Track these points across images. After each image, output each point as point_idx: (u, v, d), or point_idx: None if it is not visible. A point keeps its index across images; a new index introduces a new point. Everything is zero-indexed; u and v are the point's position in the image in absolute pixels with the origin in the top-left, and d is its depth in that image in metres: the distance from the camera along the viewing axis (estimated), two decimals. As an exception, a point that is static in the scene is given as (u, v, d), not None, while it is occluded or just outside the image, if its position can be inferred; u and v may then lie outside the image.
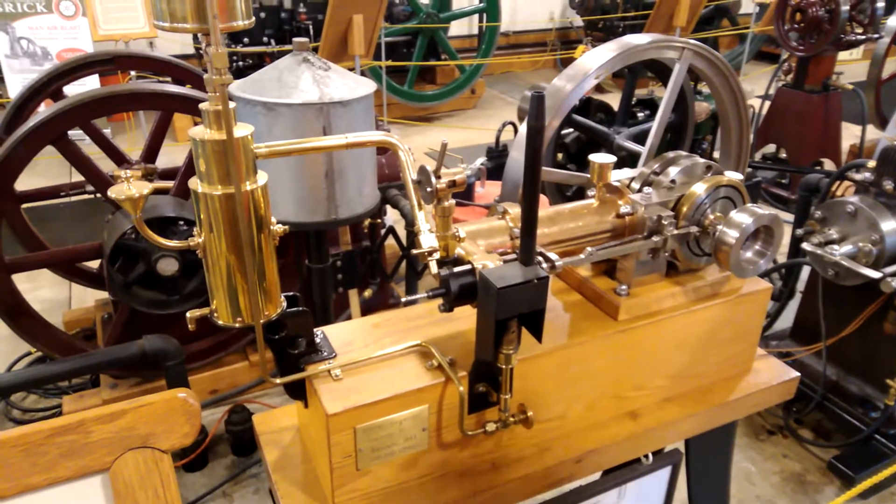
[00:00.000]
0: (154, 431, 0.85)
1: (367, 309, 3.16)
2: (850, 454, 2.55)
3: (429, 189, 1.10)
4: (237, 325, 1.10)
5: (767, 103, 4.85)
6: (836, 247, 2.26)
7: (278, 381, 1.18)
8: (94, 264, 2.96)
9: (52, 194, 3.02)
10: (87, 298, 3.50)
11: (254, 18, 0.93)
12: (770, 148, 5.12)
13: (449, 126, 6.79)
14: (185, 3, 0.87)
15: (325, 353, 1.23)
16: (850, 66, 6.71)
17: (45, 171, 5.07)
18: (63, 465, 0.82)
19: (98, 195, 2.67)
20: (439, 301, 1.13)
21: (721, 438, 1.66)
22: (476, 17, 7.62)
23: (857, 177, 2.34)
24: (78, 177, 2.62)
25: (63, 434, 0.83)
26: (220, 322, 1.11)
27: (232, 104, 0.97)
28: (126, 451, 0.82)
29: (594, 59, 1.78)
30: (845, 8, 4.18)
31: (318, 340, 1.24)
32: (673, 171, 1.38)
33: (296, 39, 1.99)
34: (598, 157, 1.36)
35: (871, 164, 2.33)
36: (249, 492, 2.52)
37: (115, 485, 0.83)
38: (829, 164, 4.79)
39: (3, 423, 2.84)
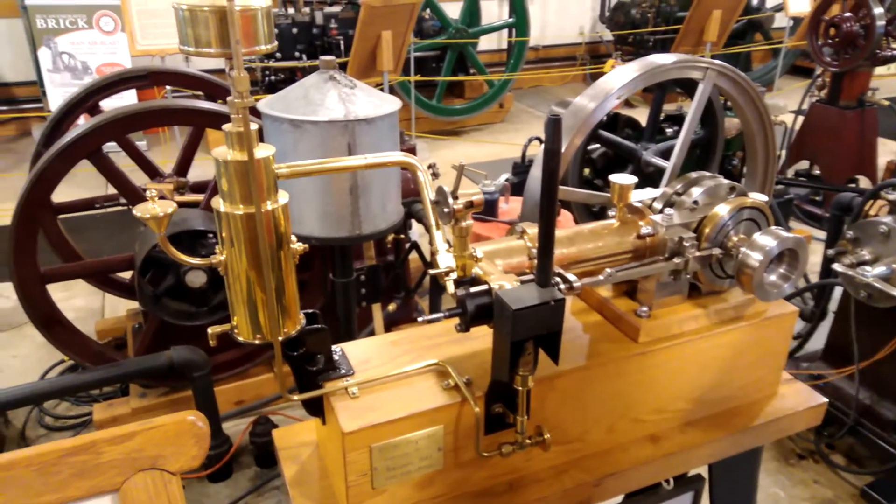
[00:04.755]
0: (163, 453, 0.86)
1: (391, 323, 3.17)
2: (885, 482, 2.47)
3: (446, 210, 1.10)
4: (257, 341, 1.12)
5: (801, 118, 4.77)
6: (868, 268, 2.21)
7: (296, 397, 1.19)
8: (126, 275, 3.03)
9: (88, 206, 3.10)
10: (120, 308, 3.58)
11: (276, 42, 0.95)
12: (803, 164, 5.02)
13: (477, 140, 6.80)
14: (209, 29, 0.89)
15: (343, 371, 1.24)
16: (887, 81, 6.57)
17: (83, 182, 5.20)
18: (75, 485, 0.84)
19: (130, 207, 2.74)
20: (457, 320, 1.13)
21: (746, 464, 1.63)
22: (505, 31, 7.65)
23: (891, 196, 2.28)
24: (113, 189, 2.69)
25: (76, 454, 0.84)
26: (241, 339, 1.13)
27: (255, 125, 0.99)
28: (136, 473, 0.84)
29: (616, 79, 1.78)
30: (881, 23, 4.09)
31: (336, 357, 1.26)
32: (696, 192, 1.37)
33: (322, 58, 2.03)
34: (618, 178, 1.35)
35: (906, 183, 2.27)
36: (273, 503, 2.54)
37: (124, 505, 0.84)
38: (864, 182, 4.68)
39: (36, 429, 2.91)
